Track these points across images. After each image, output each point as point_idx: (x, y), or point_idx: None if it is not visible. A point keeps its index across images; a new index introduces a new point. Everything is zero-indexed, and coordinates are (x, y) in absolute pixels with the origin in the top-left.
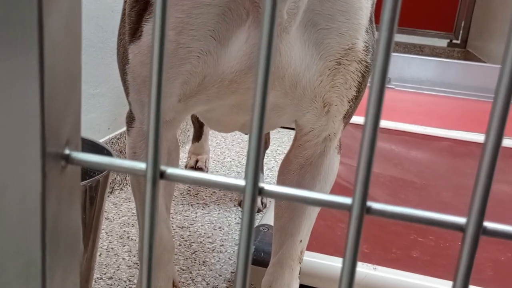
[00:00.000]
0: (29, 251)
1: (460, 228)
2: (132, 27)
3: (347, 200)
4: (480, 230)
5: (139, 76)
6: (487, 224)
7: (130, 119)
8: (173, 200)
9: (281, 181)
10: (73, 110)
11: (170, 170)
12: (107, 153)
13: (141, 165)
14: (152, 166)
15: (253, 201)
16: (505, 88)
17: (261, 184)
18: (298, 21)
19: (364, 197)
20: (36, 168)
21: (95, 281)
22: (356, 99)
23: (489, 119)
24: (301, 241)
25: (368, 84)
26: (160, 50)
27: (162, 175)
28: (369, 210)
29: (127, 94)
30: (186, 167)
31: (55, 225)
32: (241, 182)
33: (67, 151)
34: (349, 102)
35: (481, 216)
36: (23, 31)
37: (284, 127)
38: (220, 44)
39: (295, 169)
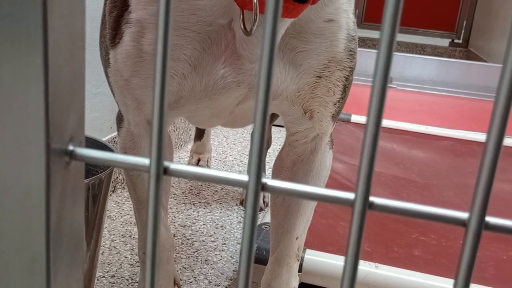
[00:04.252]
0: (33, 247)
1: (463, 223)
2: (111, 32)
3: (349, 196)
4: (482, 225)
5: (120, 79)
6: (489, 219)
7: (119, 120)
8: (175, 199)
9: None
10: (77, 107)
11: (173, 166)
12: (110, 151)
13: (144, 161)
14: (155, 162)
15: (256, 196)
16: (506, 86)
17: (264, 180)
18: None
19: (367, 192)
20: (40, 164)
21: (97, 279)
22: (343, 99)
23: (492, 111)
24: (297, 238)
25: (371, 84)
26: (164, 41)
27: (166, 170)
28: (371, 206)
29: (113, 94)
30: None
31: (59, 221)
32: (244, 178)
33: (71, 147)
34: (335, 104)
35: (483, 211)
36: (27, 29)
37: None
38: (195, 71)
39: (288, 166)
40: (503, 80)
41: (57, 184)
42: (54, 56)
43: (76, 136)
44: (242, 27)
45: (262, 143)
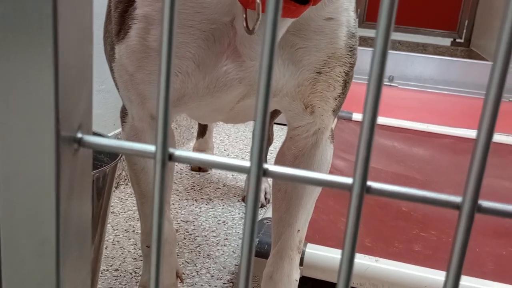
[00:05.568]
0: (43, 230)
1: (456, 206)
2: (116, 27)
3: (347, 180)
4: (475, 208)
5: (125, 74)
6: (482, 202)
7: (123, 114)
8: (178, 195)
9: None
10: (85, 95)
11: (178, 152)
12: None
13: (150, 148)
14: (161, 148)
15: (258, 182)
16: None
17: (265, 165)
18: None
19: (365, 176)
20: (50, 151)
21: (101, 273)
22: (343, 94)
23: (485, 94)
24: (298, 230)
25: (367, 82)
26: (169, 32)
27: (171, 157)
28: (369, 190)
29: (117, 89)
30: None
31: (68, 206)
32: (246, 163)
33: (79, 135)
34: (336, 99)
35: (476, 194)
36: (39, 19)
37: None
38: (199, 69)
39: (289, 160)
40: (493, 75)
41: (66, 170)
42: (63, 46)
43: (84, 124)
44: (245, 25)
45: (263, 130)
